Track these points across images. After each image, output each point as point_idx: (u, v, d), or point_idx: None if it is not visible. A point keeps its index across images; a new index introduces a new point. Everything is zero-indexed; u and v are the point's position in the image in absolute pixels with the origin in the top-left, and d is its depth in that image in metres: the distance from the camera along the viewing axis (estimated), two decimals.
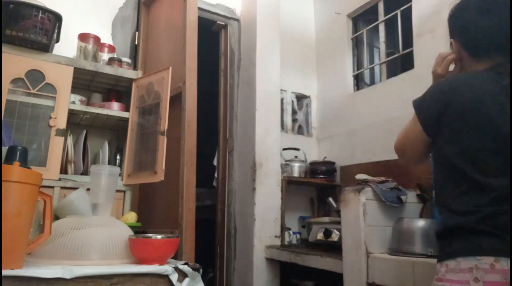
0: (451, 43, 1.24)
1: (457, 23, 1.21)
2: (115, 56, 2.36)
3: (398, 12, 2.72)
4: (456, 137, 1.07)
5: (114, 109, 2.20)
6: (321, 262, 2.07)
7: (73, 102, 2.10)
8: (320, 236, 2.27)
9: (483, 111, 1.04)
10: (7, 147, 1.55)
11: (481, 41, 1.14)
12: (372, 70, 3.12)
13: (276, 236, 2.64)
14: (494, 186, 0.99)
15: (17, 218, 1.00)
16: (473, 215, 0.99)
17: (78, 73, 2.08)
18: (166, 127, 1.95)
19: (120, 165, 2.22)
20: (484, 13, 1.13)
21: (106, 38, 2.46)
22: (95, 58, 2.21)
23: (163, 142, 1.93)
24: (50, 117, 1.94)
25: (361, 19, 3.14)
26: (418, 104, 1.17)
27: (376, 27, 2.94)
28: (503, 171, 1.00)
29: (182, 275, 1.20)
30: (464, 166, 1.03)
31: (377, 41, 3.01)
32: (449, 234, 1.03)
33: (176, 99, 2.05)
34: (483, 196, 1.00)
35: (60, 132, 1.94)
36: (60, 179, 1.92)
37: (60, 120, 1.95)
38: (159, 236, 1.23)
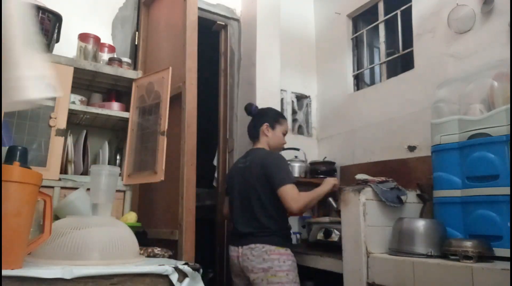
0: None
1: None
2: (115, 56, 2.36)
3: (398, 12, 2.72)
4: None
5: (114, 109, 2.20)
6: (321, 262, 2.07)
7: (73, 102, 2.10)
8: (320, 236, 2.26)
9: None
10: (7, 147, 1.54)
11: None
12: (372, 70, 3.12)
13: None
14: None
15: (17, 218, 1.00)
16: None
17: (78, 73, 2.08)
18: (166, 127, 1.95)
19: (120, 165, 2.22)
20: None
21: (106, 38, 2.46)
22: (95, 58, 2.21)
23: (163, 142, 1.93)
24: (50, 117, 1.93)
25: (361, 19, 3.14)
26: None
27: (376, 27, 2.94)
28: None
29: (182, 275, 1.20)
30: None
31: (377, 41, 3.01)
32: None
33: (176, 99, 2.05)
34: None
35: (60, 132, 1.94)
36: (60, 179, 1.92)
37: (60, 120, 1.95)
38: None
